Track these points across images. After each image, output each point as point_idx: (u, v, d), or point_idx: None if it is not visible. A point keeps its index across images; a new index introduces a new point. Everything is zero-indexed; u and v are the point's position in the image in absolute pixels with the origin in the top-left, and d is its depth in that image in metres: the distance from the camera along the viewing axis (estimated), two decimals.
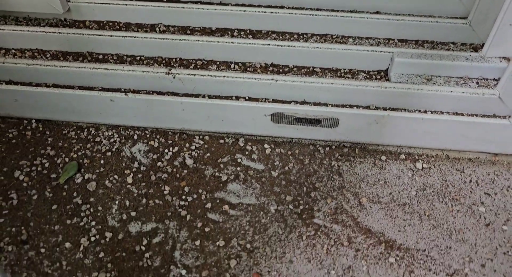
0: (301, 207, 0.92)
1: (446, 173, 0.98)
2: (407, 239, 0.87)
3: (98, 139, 1.04)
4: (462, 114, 0.98)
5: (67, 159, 1.00)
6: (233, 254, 0.85)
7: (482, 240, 0.87)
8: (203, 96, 1.02)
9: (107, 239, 0.87)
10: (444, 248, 0.86)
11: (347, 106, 1.00)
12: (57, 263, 0.84)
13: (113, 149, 1.02)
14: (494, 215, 0.91)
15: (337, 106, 0.99)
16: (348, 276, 0.82)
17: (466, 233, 0.88)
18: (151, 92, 1.04)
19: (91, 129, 1.06)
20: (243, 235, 0.88)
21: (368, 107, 0.99)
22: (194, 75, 1.01)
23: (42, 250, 0.86)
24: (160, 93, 1.04)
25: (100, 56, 1.15)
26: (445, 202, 0.93)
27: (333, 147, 1.02)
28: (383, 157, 1.00)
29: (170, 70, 1.02)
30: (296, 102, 1.01)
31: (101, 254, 0.85)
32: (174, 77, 1.02)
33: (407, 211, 0.91)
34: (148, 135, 1.05)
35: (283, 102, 1.00)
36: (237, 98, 1.02)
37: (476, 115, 0.97)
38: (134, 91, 1.03)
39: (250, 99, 1.02)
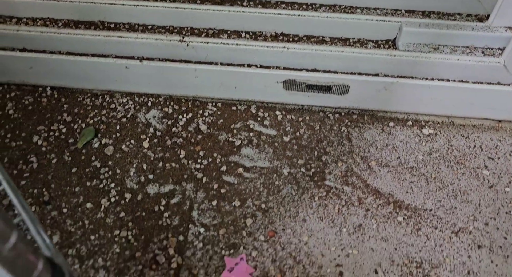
0: (312, 170, 0.95)
1: (451, 139, 1.01)
2: (415, 200, 0.91)
3: (113, 105, 1.07)
4: (468, 82, 1.01)
5: (83, 125, 1.02)
6: (248, 213, 0.89)
7: (486, 201, 0.91)
8: (216, 64, 1.04)
9: (127, 200, 0.91)
10: (449, 208, 0.90)
11: (357, 74, 1.02)
12: (79, 222, 0.87)
13: (128, 115, 1.05)
14: (497, 178, 0.95)
15: (347, 73, 1.02)
16: (358, 233, 0.86)
17: (471, 194, 0.92)
18: (164, 60, 1.06)
19: (105, 96, 1.08)
20: (258, 196, 0.91)
21: (377, 75, 1.02)
22: (207, 43, 1.03)
23: (65, 210, 0.89)
24: (173, 61, 1.06)
25: (112, 25, 1.17)
26: (451, 165, 0.97)
27: (343, 114, 1.05)
28: (391, 124, 1.04)
29: (183, 38, 1.04)
30: (307, 70, 1.03)
31: (122, 214, 0.89)
32: (187, 45, 1.04)
33: (415, 174, 0.95)
34: (162, 102, 1.07)
35: (294, 69, 1.03)
36: (249, 66, 1.05)
37: (481, 83, 1.01)
38: (147, 59, 1.05)
39: (261, 67, 1.04)
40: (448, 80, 1.01)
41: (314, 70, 1.04)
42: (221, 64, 1.05)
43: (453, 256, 0.84)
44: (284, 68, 1.04)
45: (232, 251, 0.84)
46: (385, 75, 1.02)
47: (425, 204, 0.91)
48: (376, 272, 0.82)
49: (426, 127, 1.03)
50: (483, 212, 0.90)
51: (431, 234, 0.87)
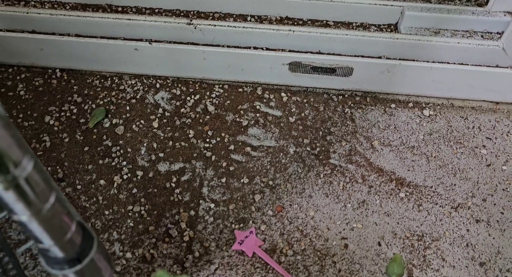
0: (317, 149, 0.99)
1: (451, 120, 1.05)
2: (416, 177, 0.95)
3: (122, 87, 1.09)
4: (467, 65, 1.04)
5: (94, 106, 1.05)
6: (257, 190, 0.92)
7: (484, 178, 0.95)
8: (223, 47, 1.07)
9: (139, 177, 0.94)
10: (449, 185, 0.94)
11: (360, 56, 1.05)
12: (93, 198, 0.90)
13: (137, 97, 1.07)
14: (495, 157, 0.99)
15: (351, 56, 1.05)
16: (362, 209, 0.90)
17: (469, 172, 0.96)
18: (172, 42, 1.08)
19: (114, 78, 1.11)
20: (265, 174, 0.95)
21: (379, 58, 1.05)
22: (215, 26, 1.06)
23: (79, 187, 0.92)
24: (180, 43, 1.08)
25: (119, 9, 1.19)
26: (450, 145, 1.00)
27: (346, 95, 1.09)
28: (393, 105, 1.07)
29: (191, 20, 1.06)
30: (312, 53, 1.06)
31: (134, 190, 0.92)
32: (195, 28, 1.06)
33: (416, 153, 0.99)
34: (169, 84, 1.10)
35: (299, 52, 1.06)
36: (255, 48, 1.07)
37: (481, 66, 1.04)
38: (156, 42, 1.07)
39: (267, 49, 1.07)
40: (448, 63, 1.05)
41: (319, 53, 1.07)
42: (228, 46, 1.07)
43: (452, 230, 0.88)
44: (290, 51, 1.07)
45: (241, 225, 0.87)
46: (387, 58, 1.05)
47: (425, 181, 0.94)
48: (379, 244, 0.86)
49: (427, 108, 1.07)
50: (481, 189, 0.94)
51: (432, 209, 0.90)
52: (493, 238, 0.87)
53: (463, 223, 0.89)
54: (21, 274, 0.54)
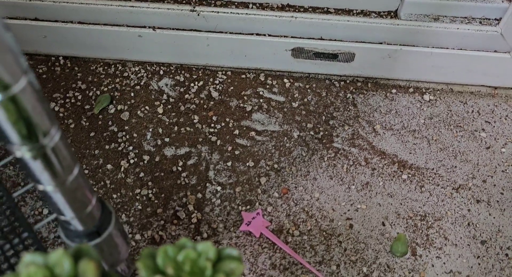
0: (321, 133, 1.00)
1: (450, 104, 1.07)
2: (417, 160, 0.97)
3: (125, 74, 1.10)
4: (467, 50, 1.06)
5: (98, 92, 1.06)
6: (262, 173, 0.94)
7: (483, 161, 0.98)
8: (226, 33, 1.08)
9: (145, 161, 0.95)
10: (450, 167, 0.96)
11: (362, 42, 1.07)
12: (101, 182, 0.91)
13: (141, 83, 1.08)
14: (494, 140, 1.01)
15: (353, 42, 1.06)
16: (366, 190, 0.92)
17: (469, 154, 0.99)
18: (174, 29, 1.09)
19: (118, 65, 1.11)
20: (270, 157, 0.96)
21: (381, 44, 1.07)
22: (218, 12, 1.07)
23: (86, 171, 0.93)
24: (183, 30, 1.09)
25: None
26: (450, 129, 1.03)
27: (347, 81, 1.10)
28: (394, 90, 1.09)
29: (194, 7, 1.07)
30: (314, 39, 1.08)
31: (141, 174, 0.93)
32: (198, 15, 1.07)
33: (417, 137, 1.01)
34: (173, 71, 1.11)
35: (302, 38, 1.07)
36: (258, 35, 1.08)
37: (480, 51, 1.06)
38: (159, 28, 1.08)
39: (270, 36, 1.08)
40: (447, 48, 1.06)
41: (321, 39, 1.08)
42: (231, 33, 1.08)
43: (454, 210, 0.90)
44: (292, 38, 1.08)
45: (248, 207, 0.89)
46: (388, 44, 1.07)
47: (427, 163, 0.97)
48: (383, 224, 0.88)
49: (427, 93, 1.09)
50: (481, 170, 0.96)
51: (434, 190, 0.93)
52: (494, 218, 0.89)
53: (464, 203, 0.91)
54: (41, 249, 0.55)
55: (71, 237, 0.55)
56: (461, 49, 1.07)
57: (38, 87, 0.40)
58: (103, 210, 0.57)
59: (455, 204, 0.91)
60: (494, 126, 1.03)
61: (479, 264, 0.84)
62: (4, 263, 0.53)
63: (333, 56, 1.05)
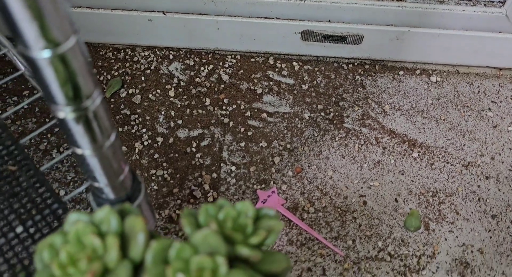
0: (331, 114, 1.02)
1: (457, 85, 1.09)
2: (427, 139, 0.99)
3: (135, 59, 1.10)
4: (472, 31, 1.08)
5: (109, 77, 1.06)
6: (275, 153, 0.95)
7: (491, 139, 0.99)
8: (235, 17, 1.08)
9: (159, 143, 0.95)
10: (459, 145, 0.98)
11: (370, 24, 1.08)
12: None
13: (152, 67, 1.09)
14: (500, 119, 1.03)
15: (361, 24, 1.08)
16: (378, 168, 0.94)
17: (477, 133, 1.00)
18: (184, 13, 1.09)
19: (127, 50, 1.12)
20: (283, 138, 0.97)
21: (389, 26, 1.08)
22: None
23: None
24: (193, 14, 1.09)
25: None
26: (458, 109, 1.04)
27: (355, 64, 1.11)
28: (401, 72, 1.10)
29: None
30: (323, 22, 1.09)
31: (156, 156, 0.94)
32: None
33: (425, 117, 1.02)
34: (182, 55, 1.11)
35: (310, 21, 1.08)
36: (267, 18, 1.09)
37: (485, 32, 1.07)
38: (169, 13, 1.08)
39: (278, 19, 1.09)
40: (454, 30, 1.08)
41: (329, 22, 1.09)
42: (240, 17, 1.09)
43: (464, 186, 0.92)
44: (300, 21, 1.09)
45: (263, 185, 0.90)
46: (395, 26, 1.08)
47: (436, 142, 0.98)
48: (396, 200, 0.89)
49: (434, 75, 1.10)
50: (489, 148, 0.98)
51: (444, 167, 0.94)
52: (503, 193, 0.91)
53: (474, 179, 0.93)
54: None
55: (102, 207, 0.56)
56: (467, 30, 1.08)
57: (85, 48, 0.41)
58: (133, 180, 0.58)
59: (465, 180, 0.93)
60: (500, 106, 1.05)
61: (491, 237, 0.86)
62: (36, 233, 0.53)
63: (341, 39, 1.07)
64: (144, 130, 0.97)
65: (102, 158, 0.48)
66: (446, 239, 0.85)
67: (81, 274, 0.36)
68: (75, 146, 0.46)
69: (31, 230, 0.53)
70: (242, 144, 0.96)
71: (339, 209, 0.88)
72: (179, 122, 0.99)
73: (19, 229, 0.54)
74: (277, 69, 1.09)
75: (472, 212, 0.88)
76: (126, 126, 0.98)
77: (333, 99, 1.04)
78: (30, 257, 0.51)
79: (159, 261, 0.36)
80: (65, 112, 0.41)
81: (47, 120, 0.98)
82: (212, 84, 1.06)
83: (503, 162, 0.96)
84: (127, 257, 0.37)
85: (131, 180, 0.56)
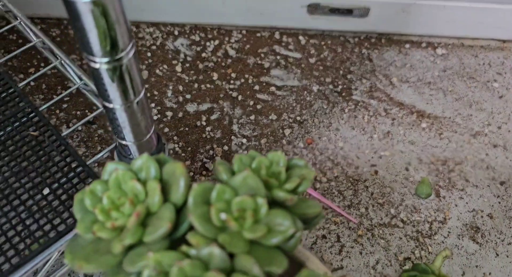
0: (340, 86, 1.02)
1: (462, 58, 1.10)
2: (435, 110, 0.99)
3: (140, 35, 1.09)
4: (477, 2, 1.08)
5: None
6: (285, 125, 0.95)
7: (497, 109, 1.01)
8: None
9: (169, 117, 0.95)
10: (466, 115, 0.99)
11: None
12: None
13: (157, 44, 1.08)
14: (506, 89, 1.04)
15: None
16: (388, 139, 0.94)
17: (483, 103, 1.01)
18: None
19: (131, 26, 1.11)
20: (292, 110, 0.98)
21: None
22: None
23: (110, 128, 0.93)
24: None
25: None
26: (464, 80, 1.05)
27: (362, 38, 1.12)
28: (407, 46, 1.11)
29: None
30: None
31: (166, 130, 0.93)
32: None
33: (432, 88, 1.03)
34: (188, 31, 1.11)
35: None
36: None
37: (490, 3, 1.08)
38: None
39: None
40: (459, 1, 1.08)
41: None
42: None
43: (473, 155, 0.93)
44: None
45: None
46: None
47: (444, 113, 0.99)
48: (407, 169, 0.90)
49: (439, 48, 1.11)
50: (495, 118, 0.99)
51: (452, 137, 0.95)
52: (510, 161, 0.93)
53: (482, 148, 0.94)
54: None
55: None
56: (471, 2, 1.09)
57: (125, 16, 0.41)
58: (158, 141, 0.58)
59: (473, 149, 0.94)
60: (505, 77, 1.06)
61: (499, 203, 0.87)
62: (63, 194, 0.53)
63: (348, 12, 1.07)
64: (153, 104, 0.97)
65: (132, 113, 0.48)
66: (456, 205, 0.86)
67: (125, 217, 0.36)
68: (106, 101, 0.46)
69: (58, 192, 0.53)
70: (252, 117, 0.96)
71: (351, 179, 0.88)
72: (188, 96, 0.99)
73: (46, 191, 0.53)
74: (283, 44, 1.09)
75: (481, 179, 0.90)
76: None
77: (341, 72, 1.05)
78: (59, 217, 0.51)
79: (202, 203, 0.37)
80: (100, 63, 0.41)
81: (55, 96, 0.97)
82: (219, 59, 1.05)
83: (509, 131, 0.97)
84: (168, 201, 0.37)
85: (156, 140, 0.56)
